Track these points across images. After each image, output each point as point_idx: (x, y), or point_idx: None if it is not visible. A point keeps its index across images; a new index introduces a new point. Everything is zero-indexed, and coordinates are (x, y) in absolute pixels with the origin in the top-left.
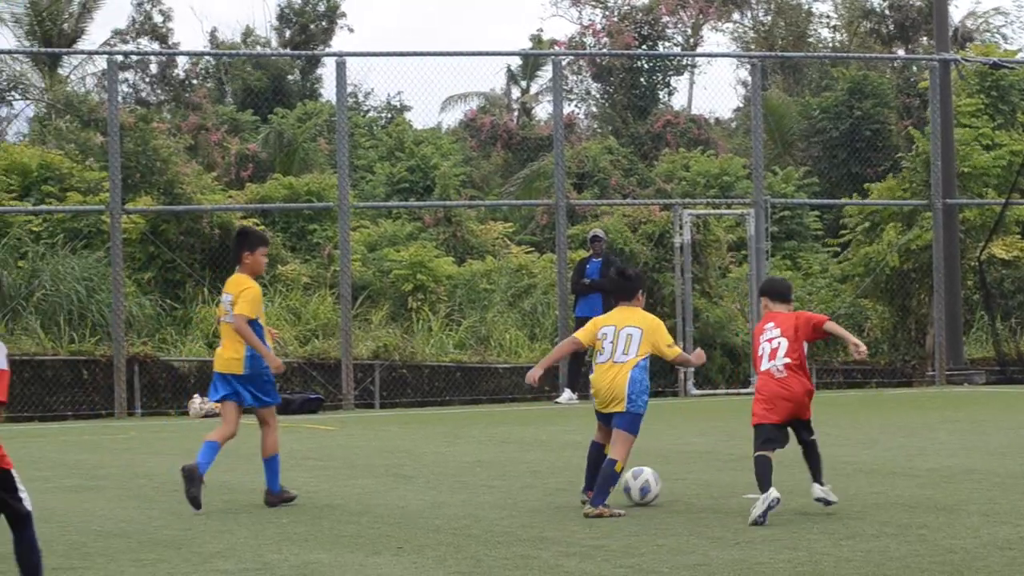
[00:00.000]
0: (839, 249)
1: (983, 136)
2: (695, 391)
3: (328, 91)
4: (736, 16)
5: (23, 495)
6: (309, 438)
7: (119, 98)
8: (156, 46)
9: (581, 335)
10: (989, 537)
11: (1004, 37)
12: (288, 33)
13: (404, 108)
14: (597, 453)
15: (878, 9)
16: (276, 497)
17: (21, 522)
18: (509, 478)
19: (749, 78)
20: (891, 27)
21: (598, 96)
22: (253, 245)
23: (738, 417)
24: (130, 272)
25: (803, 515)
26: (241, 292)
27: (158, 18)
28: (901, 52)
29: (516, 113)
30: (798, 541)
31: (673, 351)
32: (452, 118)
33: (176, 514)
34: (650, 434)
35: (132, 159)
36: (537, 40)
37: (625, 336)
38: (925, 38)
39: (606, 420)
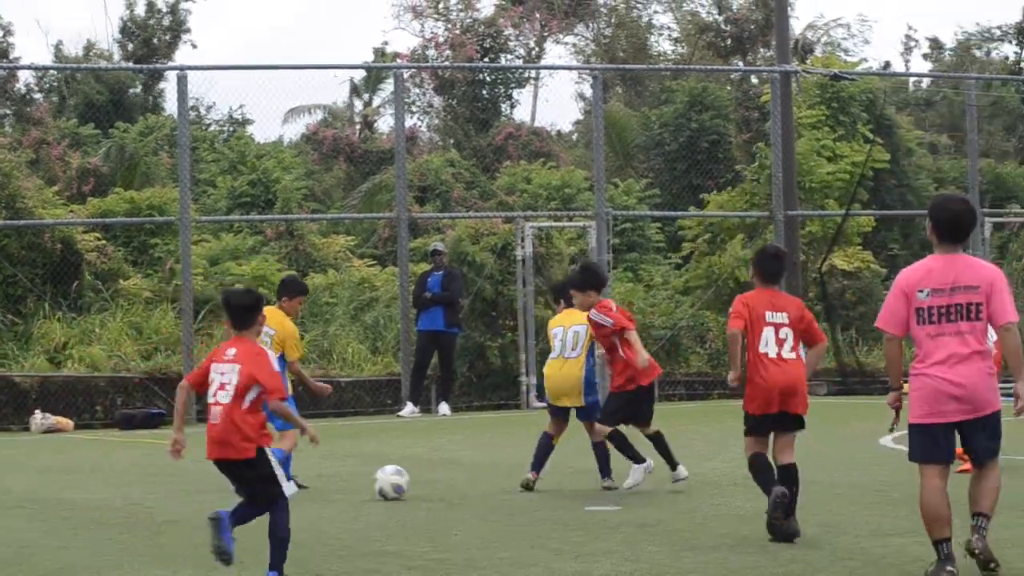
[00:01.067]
0: (681, 261)
1: (824, 147)
2: (538, 403)
3: (170, 105)
4: (579, 28)
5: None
6: (150, 453)
7: None
8: None
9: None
10: (829, 548)
11: (845, 50)
12: (131, 47)
13: (246, 121)
14: (547, 442)
15: (714, 23)
16: None
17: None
18: (351, 492)
19: (590, 91)
20: (728, 41)
21: (440, 109)
22: (292, 293)
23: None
24: None
25: (641, 527)
26: (288, 334)
27: None
28: (740, 65)
29: (358, 126)
30: (639, 553)
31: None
32: (294, 131)
33: (12, 530)
34: (492, 446)
35: None
36: (380, 53)
37: (572, 334)
38: (763, 51)
39: (560, 413)
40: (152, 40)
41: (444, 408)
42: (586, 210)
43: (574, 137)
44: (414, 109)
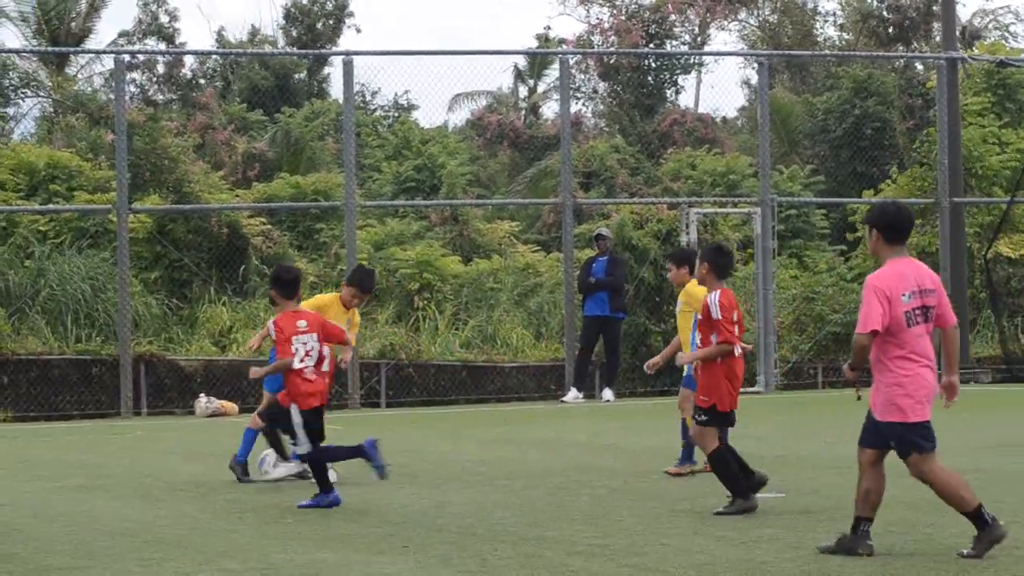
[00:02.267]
0: (846, 248)
1: (991, 135)
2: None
3: (335, 90)
4: (742, 15)
5: None
6: None
7: (126, 98)
8: (163, 46)
9: None
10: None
11: (1013, 35)
12: (295, 32)
13: (411, 107)
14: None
15: (876, 11)
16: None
17: None
18: (513, 477)
19: (755, 77)
20: (891, 28)
21: (605, 95)
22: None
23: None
24: (137, 271)
25: (806, 514)
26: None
27: (164, 18)
28: (902, 52)
29: (523, 112)
30: (803, 540)
31: None
32: (459, 117)
33: (182, 513)
34: (655, 433)
35: (141, 158)
36: (544, 39)
37: None
38: (924, 39)
39: None
40: (316, 25)
41: (608, 394)
42: (751, 196)
43: (739, 123)
44: (579, 95)
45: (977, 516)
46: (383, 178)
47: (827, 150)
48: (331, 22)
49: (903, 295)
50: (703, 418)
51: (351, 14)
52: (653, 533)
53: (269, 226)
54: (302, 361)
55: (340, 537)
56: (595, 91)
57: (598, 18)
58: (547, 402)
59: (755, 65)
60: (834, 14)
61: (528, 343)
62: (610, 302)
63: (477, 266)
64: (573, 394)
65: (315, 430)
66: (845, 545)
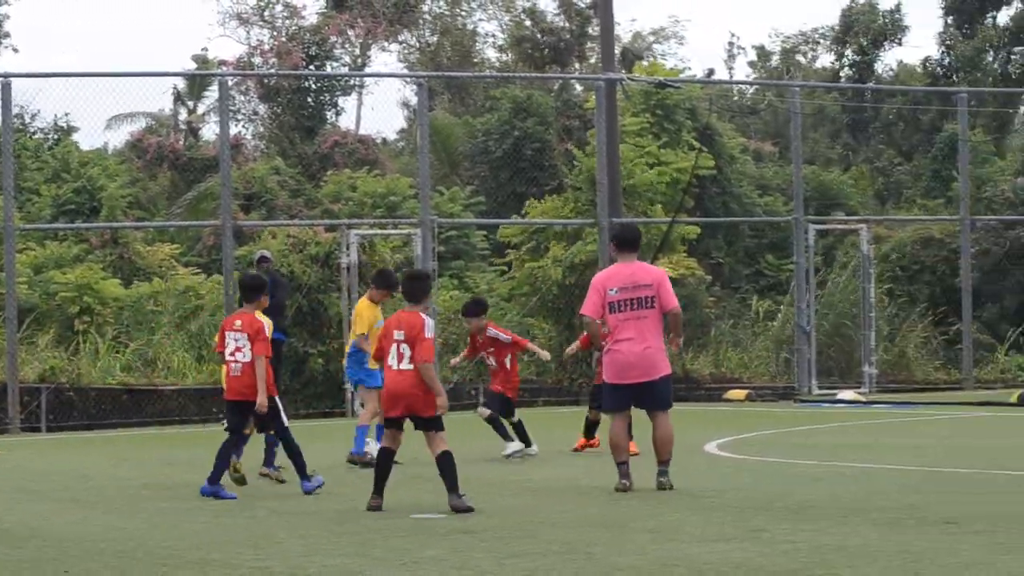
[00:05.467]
0: (506, 268)
1: (649, 155)
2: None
3: None
4: (403, 36)
5: None
6: None
7: None
8: None
9: None
10: (655, 554)
11: (665, 57)
12: None
13: (71, 129)
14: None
15: (529, 34)
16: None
17: None
18: (175, 500)
19: (415, 98)
20: (545, 51)
21: (266, 116)
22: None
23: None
24: None
25: (469, 534)
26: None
27: None
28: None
29: (183, 134)
30: (465, 560)
31: None
32: (118, 138)
33: None
34: (318, 454)
35: None
36: (203, 60)
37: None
38: (579, 60)
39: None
40: None
41: None
42: (411, 218)
43: (399, 145)
44: (239, 117)
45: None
46: (42, 201)
47: (487, 170)
48: None
49: (611, 289)
50: None
51: (7, 34)
52: (316, 555)
53: None
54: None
55: (0, 563)
56: (255, 113)
57: (258, 39)
58: (208, 425)
59: (415, 86)
60: (493, 35)
61: (189, 366)
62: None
63: (138, 289)
64: None
65: None
66: None
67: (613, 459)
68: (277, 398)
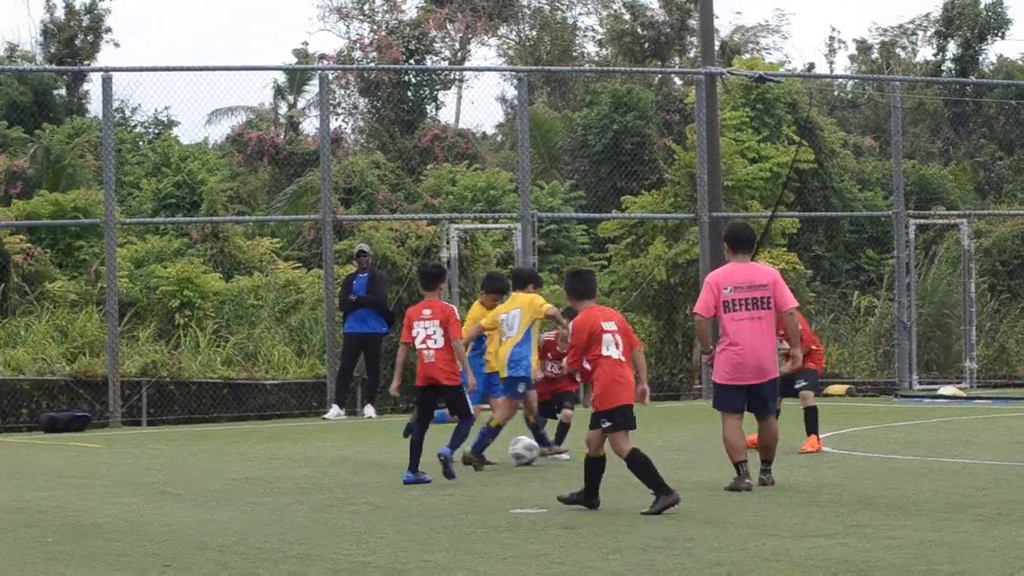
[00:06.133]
0: (606, 263)
1: (748, 149)
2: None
3: (95, 106)
4: (502, 31)
5: None
6: (75, 456)
7: None
8: None
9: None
10: (756, 549)
11: (768, 51)
12: (53, 48)
13: (171, 123)
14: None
15: (630, 28)
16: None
17: None
18: (276, 495)
19: (514, 92)
20: (646, 45)
21: (365, 111)
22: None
23: (510, 430)
24: None
25: (569, 530)
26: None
27: None
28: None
29: (283, 128)
30: (566, 555)
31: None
32: (219, 133)
33: None
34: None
35: None
36: (303, 54)
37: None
38: (679, 55)
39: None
40: (73, 41)
41: (370, 410)
42: (511, 212)
43: (499, 139)
44: (339, 111)
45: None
46: (143, 195)
47: (587, 165)
48: (89, 38)
49: (725, 288)
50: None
51: (109, 29)
52: (417, 550)
53: (30, 244)
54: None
55: (100, 557)
56: (355, 107)
57: (358, 34)
58: (309, 419)
59: (515, 80)
60: (592, 29)
61: (290, 360)
62: (371, 319)
63: (238, 283)
64: (335, 411)
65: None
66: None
67: (730, 459)
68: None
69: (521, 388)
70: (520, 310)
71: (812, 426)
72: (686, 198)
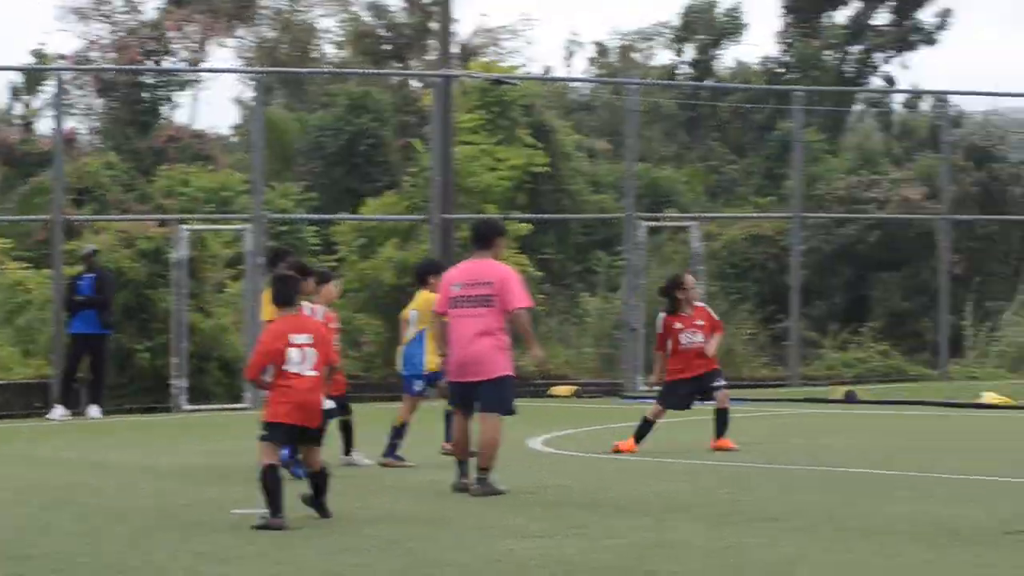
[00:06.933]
0: (336, 264)
1: (486, 152)
2: (187, 406)
3: None
4: (241, 31)
5: None
6: None
7: None
8: None
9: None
10: (481, 550)
11: (510, 54)
12: None
13: None
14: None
15: (371, 29)
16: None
17: None
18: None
19: (251, 94)
20: (387, 48)
21: (101, 111)
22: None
23: (231, 431)
24: None
25: (293, 532)
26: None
27: None
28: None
29: (17, 128)
30: (287, 556)
31: None
32: None
33: None
34: (142, 449)
35: None
36: (39, 55)
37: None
38: (419, 56)
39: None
40: None
41: (94, 411)
42: (243, 213)
43: (234, 140)
44: (75, 111)
45: None
46: None
47: (321, 167)
48: None
49: (454, 284)
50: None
51: None
52: (140, 549)
53: None
54: None
55: None
56: (91, 107)
57: (96, 34)
58: (33, 419)
59: (251, 82)
60: (330, 31)
61: (15, 360)
62: (96, 320)
63: None
64: (60, 411)
65: None
66: None
67: (455, 457)
68: None
69: (417, 386)
70: (418, 312)
71: (722, 427)
72: (423, 200)
